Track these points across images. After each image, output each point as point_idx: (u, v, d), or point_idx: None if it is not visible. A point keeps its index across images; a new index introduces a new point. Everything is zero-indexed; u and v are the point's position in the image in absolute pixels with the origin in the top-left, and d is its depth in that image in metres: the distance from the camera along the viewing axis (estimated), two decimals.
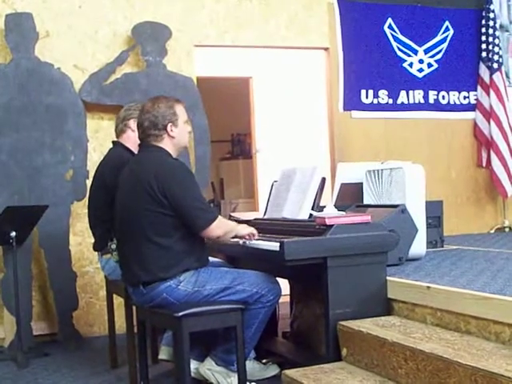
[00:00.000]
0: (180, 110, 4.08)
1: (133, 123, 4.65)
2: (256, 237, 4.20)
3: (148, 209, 3.86)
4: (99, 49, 6.23)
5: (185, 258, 3.92)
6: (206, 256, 4.10)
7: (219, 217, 3.99)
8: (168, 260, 3.88)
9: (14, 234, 5.25)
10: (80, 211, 5.98)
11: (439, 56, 7.75)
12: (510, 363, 2.97)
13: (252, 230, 4.21)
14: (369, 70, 7.37)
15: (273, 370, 4.43)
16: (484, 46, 7.83)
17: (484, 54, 7.82)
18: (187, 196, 3.88)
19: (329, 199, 5.43)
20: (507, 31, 8.19)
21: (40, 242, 5.85)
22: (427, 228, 5.00)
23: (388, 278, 4.17)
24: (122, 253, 4.14)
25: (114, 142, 5.04)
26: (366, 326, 3.85)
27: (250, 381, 4.10)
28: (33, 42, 5.92)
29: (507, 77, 8.04)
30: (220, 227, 3.95)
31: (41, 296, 6.04)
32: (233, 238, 4.17)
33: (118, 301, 5.06)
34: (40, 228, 5.68)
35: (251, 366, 4.30)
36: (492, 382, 2.85)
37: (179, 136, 4.06)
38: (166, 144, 4.02)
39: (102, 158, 5.10)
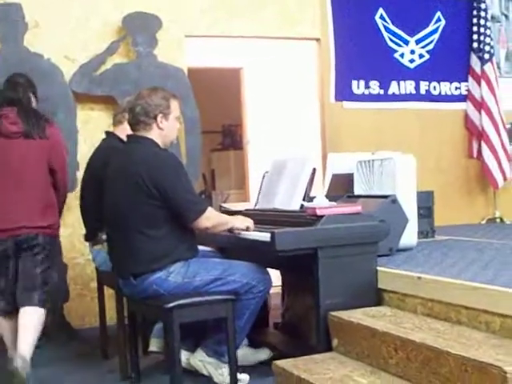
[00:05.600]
0: (174, 105, 4.10)
1: None
2: (252, 228, 4.20)
3: (138, 200, 3.86)
4: (89, 39, 6.20)
5: (175, 249, 3.92)
6: (195, 246, 4.10)
7: (209, 208, 3.99)
8: (158, 251, 3.88)
9: None
10: (70, 202, 5.93)
11: (431, 46, 7.74)
12: (500, 353, 2.99)
13: (248, 222, 4.21)
14: (360, 60, 7.36)
15: (264, 354, 4.43)
16: (475, 36, 7.81)
17: (475, 45, 7.81)
18: (178, 187, 3.88)
19: (320, 190, 5.42)
20: (498, 22, 8.18)
21: None
22: (418, 218, 5.00)
23: (378, 268, 4.18)
24: (111, 244, 4.14)
25: (107, 133, 5.03)
26: (356, 316, 3.85)
27: (242, 368, 4.09)
28: (22, 32, 5.89)
29: (498, 67, 8.03)
30: (209, 219, 3.95)
31: None
32: (229, 231, 4.18)
33: (109, 292, 5.05)
34: None
35: (243, 351, 4.31)
36: (482, 371, 2.85)
37: (168, 130, 4.06)
38: (155, 135, 4.01)
39: (92, 148, 5.08)
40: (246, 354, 4.36)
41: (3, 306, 4.53)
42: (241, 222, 4.20)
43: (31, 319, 4.42)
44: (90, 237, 4.86)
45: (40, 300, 4.49)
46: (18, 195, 4.48)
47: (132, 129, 4.09)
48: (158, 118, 4.00)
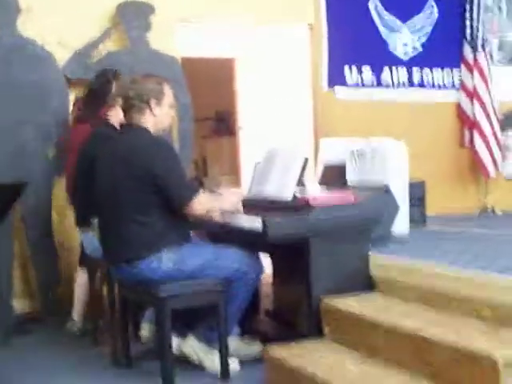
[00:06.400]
0: (168, 92, 4.10)
1: None
2: (240, 207, 4.20)
3: (130, 186, 3.86)
4: (83, 25, 6.14)
5: (166, 235, 3.92)
6: (187, 233, 4.10)
7: (200, 193, 3.99)
8: (149, 237, 3.88)
9: None
10: (62, 188, 5.94)
11: (423, 34, 7.73)
12: (491, 340, 3.00)
13: (235, 200, 4.21)
14: (353, 47, 7.33)
15: (256, 348, 4.43)
16: (468, 25, 7.81)
17: (468, 34, 7.81)
18: (170, 173, 3.88)
19: (312, 178, 5.42)
20: (491, 12, 8.18)
21: (22, 218, 5.81)
22: (410, 207, 5.01)
23: (370, 256, 4.19)
24: (103, 230, 4.13)
25: None
26: (348, 303, 3.87)
27: (232, 357, 4.10)
28: (15, 17, 5.84)
29: (491, 57, 8.04)
30: (201, 204, 3.95)
31: (23, 273, 6.01)
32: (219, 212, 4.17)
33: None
34: (22, 204, 5.63)
35: (235, 343, 4.30)
36: (473, 359, 2.87)
37: (161, 116, 4.06)
38: (148, 121, 4.01)
39: None
40: (238, 346, 4.34)
41: None
42: (229, 203, 4.21)
43: None
44: (81, 222, 4.87)
45: None
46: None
47: (125, 114, 4.08)
48: (152, 104, 4.00)
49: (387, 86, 7.57)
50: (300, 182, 4.44)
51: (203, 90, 8.06)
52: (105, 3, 6.24)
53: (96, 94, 5.23)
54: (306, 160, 4.50)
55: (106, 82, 5.23)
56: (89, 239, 4.81)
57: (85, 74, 6.06)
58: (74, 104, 5.69)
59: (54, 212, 5.97)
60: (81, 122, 5.26)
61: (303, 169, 4.46)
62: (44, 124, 5.87)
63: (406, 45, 7.67)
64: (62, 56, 6.01)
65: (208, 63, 7.98)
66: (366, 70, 7.45)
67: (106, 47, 6.22)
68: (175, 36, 6.55)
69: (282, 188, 4.47)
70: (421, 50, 7.75)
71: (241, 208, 4.22)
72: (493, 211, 7.75)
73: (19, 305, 5.86)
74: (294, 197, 4.34)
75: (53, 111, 5.91)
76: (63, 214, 6.00)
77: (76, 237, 5.66)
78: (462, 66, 7.88)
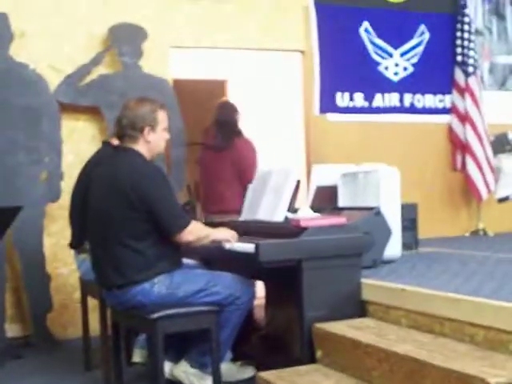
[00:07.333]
0: (162, 116, 4.06)
1: None
2: (235, 239, 4.19)
3: (122, 212, 3.84)
4: (75, 50, 6.18)
5: (158, 261, 3.90)
6: (179, 258, 4.09)
7: (192, 222, 3.97)
8: (142, 263, 3.87)
9: None
10: (54, 212, 5.94)
11: (415, 59, 7.77)
12: (484, 364, 3.00)
13: (230, 234, 4.20)
14: (344, 73, 7.37)
15: (249, 372, 4.41)
16: (459, 50, 7.86)
17: (459, 58, 7.85)
18: (161, 201, 3.86)
19: (304, 202, 5.43)
20: (482, 35, 8.24)
21: (14, 243, 5.80)
22: (402, 231, 5.01)
23: (362, 280, 4.19)
24: (94, 255, 4.11)
25: (104, 142, 5.04)
26: (340, 328, 3.86)
27: (225, 383, 4.08)
28: (7, 42, 5.87)
29: (482, 81, 8.09)
30: (192, 233, 3.93)
31: (15, 298, 5.98)
32: (212, 243, 4.15)
33: (93, 303, 5.03)
34: (14, 229, 5.62)
35: (228, 367, 4.28)
36: (466, 382, 2.86)
37: (155, 142, 4.04)
38: (141, 147, 3.99)
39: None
40: (230, 370, 4.33)
41: None
42: (223, 234, 4.20)
43: None
44: (76, 244, 4.85)
45: None
46: (217, 188, 5.98)
47: (119, 140, 4.08)
48: (145, 131, 3.97)
49: (379, 112, 7.59)
50: (292, 207, 4.45)
51: (195, 113, 8.07)
52: (97, 28, 6.27)
53: (226, 124, 5.96)
54: (298, 182, 4.51)
55: (232, 113, 6.01)
56: (81, 262, 4.81)
57: (76, 98, 6.09)
58: (205, 132, 6.22)
59: (46, 237, 5.97)
60: (218, 150, 5.94)
61: (295, 191, 4.47)
62: (35, 147, 5.87)
63: (397, 71, 7.70)
64: (54, 80, 6.04)
65: (200, 85, 8.00)
66: (358, 96, 7.48)
67: (98, 70, 6.24)
68: (168, 59, 6.58)
69: (273, 210, 4.48)
70: (412, 74, 7.78)
71: (235, 239, 4.20)
72: (485, 233, 7.75)
73: (11, 329, 5.84)
74: (286, 219, 4.35)
75: (45, 135, 5.92)
76: (56, 239, 6.00)
77: (68, 263, 5.68)
78: (454, 89, 7.91)
